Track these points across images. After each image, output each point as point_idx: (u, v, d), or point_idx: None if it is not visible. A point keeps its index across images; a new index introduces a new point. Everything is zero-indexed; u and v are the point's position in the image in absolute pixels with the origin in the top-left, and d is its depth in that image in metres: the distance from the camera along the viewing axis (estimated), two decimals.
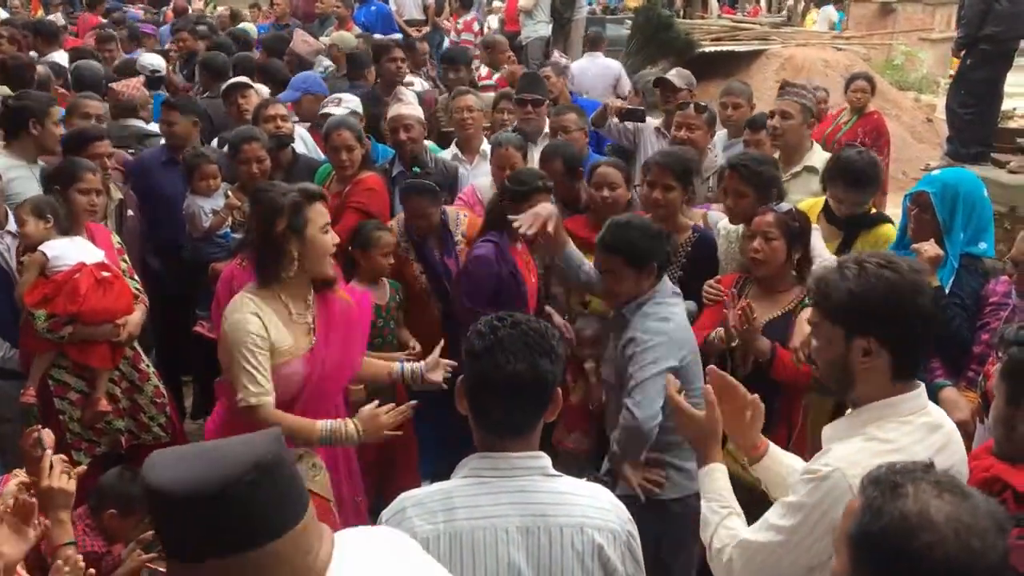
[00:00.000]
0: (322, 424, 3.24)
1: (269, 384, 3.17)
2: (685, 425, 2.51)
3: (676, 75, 6.68)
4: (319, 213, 3.27)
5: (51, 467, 2.68)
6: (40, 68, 7.21)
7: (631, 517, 2.28)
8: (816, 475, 2.11)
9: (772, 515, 2.23)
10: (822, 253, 3.98)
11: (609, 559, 2.16)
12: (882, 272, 2.14)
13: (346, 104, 5.89)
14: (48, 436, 2.97)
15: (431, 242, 4.64)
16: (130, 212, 4.96)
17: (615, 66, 9.70)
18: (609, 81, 9.35)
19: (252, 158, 5.00)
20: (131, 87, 6.49)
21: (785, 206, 3.88)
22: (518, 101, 6.01)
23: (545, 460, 2.21)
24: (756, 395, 2.54)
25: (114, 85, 6.63)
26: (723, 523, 2.35)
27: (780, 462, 2.54)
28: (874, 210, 4.56)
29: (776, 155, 5.23)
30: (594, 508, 2.19)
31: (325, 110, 5.83)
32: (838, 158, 4.39)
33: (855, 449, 2.13)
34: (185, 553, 1.46)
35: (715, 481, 2.43)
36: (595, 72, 9.37)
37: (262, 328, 3.17)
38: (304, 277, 3.31)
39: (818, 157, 5.11)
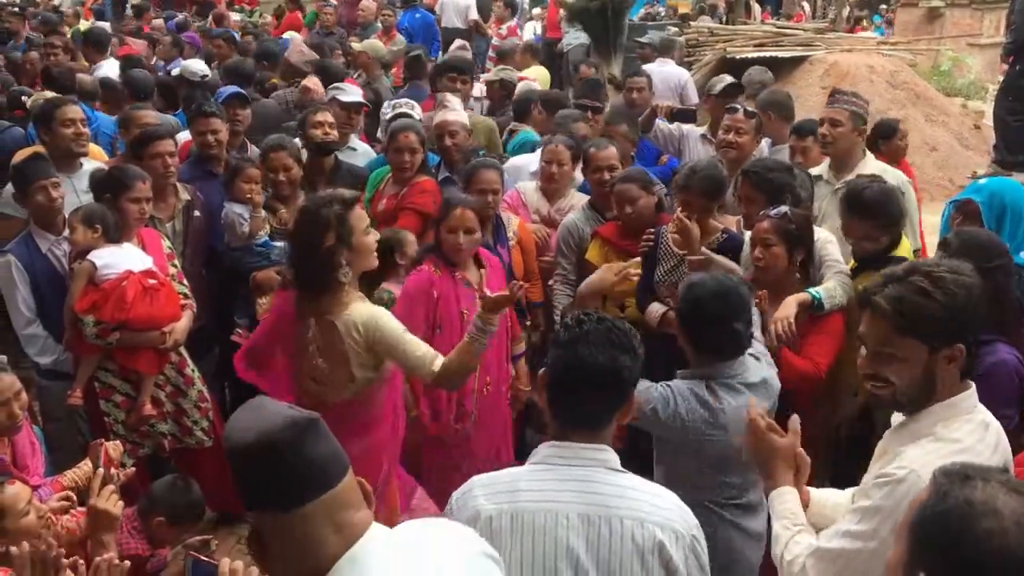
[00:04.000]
0: (467, 340, 3.37)
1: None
2: (760, 447, 2.52)
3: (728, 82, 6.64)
4: (359, 218, 3.39)
5: (102, 486, 2.73)
6: (86, 77, 7.32)
7: (699, 523, 2.28)
8: (892, 479, 2.13)
9: (845, 522, 2.24)
10: (830, 256, 3.95)
11: (671, 558, 2.17)
12: (960, 279, 2.19)
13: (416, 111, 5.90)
14: (115, 450, 3.03)
15: (486, 232, 4.65)
16: (197, 213, 4.94)
17: (682, 74, 9.38)
18: (674, 88, 8.98)
19: (279, 167, 4.98)
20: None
21: (782, 210, 3.82)
22: (576, 107, 6.03)
23: (610, 454, 2.26)
24: (804, 452, 2.54)
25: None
26: (795, 538, 2.37)
27: (823, 504, 2.58)
28: (907, 240, 4.33)
29: (827, 163, 5.17)
30: (656, 506, 2.22)
31: (401, 110, 5.84)
32: (847, 189, 4.21)
33: (927, 451, 2.15)
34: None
35: (786, 503, 2.46)
36: (660, 79, 8.79)
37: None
38: (355, 277, 3.44)
39: (871, 166, 4.96)
